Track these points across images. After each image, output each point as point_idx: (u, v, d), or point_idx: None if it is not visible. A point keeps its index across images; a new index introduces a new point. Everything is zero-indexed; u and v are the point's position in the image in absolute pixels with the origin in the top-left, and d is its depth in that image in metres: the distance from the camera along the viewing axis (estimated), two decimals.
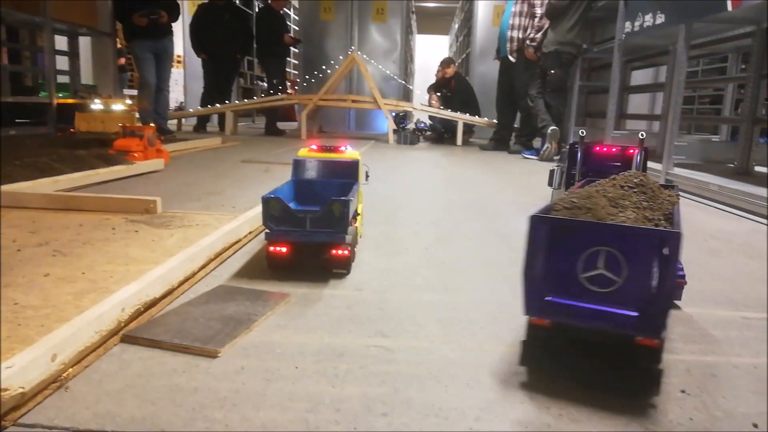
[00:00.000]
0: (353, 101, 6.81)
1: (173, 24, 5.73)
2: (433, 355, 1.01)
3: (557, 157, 4.27)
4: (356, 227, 1.57)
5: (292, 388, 0.87)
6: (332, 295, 1.30)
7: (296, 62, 9.94)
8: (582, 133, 1.70)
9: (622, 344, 0.84)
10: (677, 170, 3.33)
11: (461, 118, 6.46)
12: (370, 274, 1.47)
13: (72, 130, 4.41)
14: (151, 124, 3.83)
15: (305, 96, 6.92)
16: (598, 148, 1.65)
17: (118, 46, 6.83)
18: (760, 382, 0.96)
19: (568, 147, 1.77)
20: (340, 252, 1.39)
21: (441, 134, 6.99)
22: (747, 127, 3.61)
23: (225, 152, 4.63)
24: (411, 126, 6.52)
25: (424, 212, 2.38)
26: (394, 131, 6.37)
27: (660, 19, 3.49)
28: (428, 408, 0.83)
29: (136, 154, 3.25)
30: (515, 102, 5.80)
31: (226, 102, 6.92)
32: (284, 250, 1.39)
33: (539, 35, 5.32)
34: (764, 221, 2.40)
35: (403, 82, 8.04)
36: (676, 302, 1.30)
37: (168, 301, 1.20)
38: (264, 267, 1.44)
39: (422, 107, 6.76)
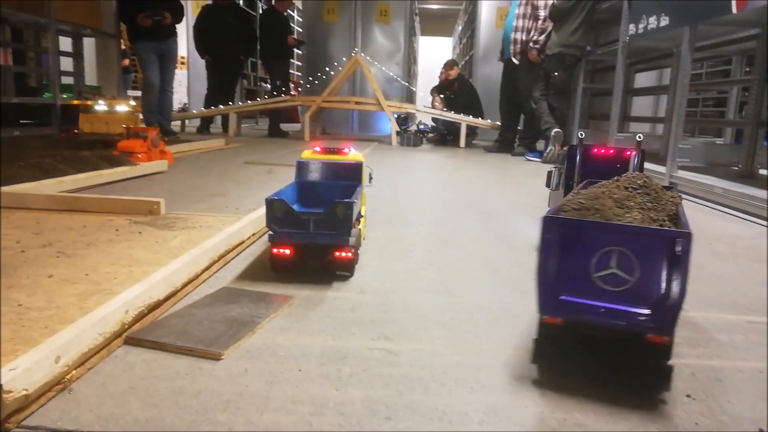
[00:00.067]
0: (356, 103, 6.81)
1: (177, 25, 5.76)
2: (436, 358, 1.01)
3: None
4: (360, 229, 1.57)
5: (295, 391, 0.87)
6: (336, 298, 1.30)
7: (300, 64, 9.98)
8: (581, 135, 1.70)
9: (632, 341, 0.86)
10: (681, 173, 3.32)
11: (464, 120, 6.46)
12: (373, 276, 1.47)
13: (76, 131, 4.42)
14: (155, 126, 3.83)
15: (308, 97, 6.93)
16: (596, 150, 1.66)
17: (122, 47, 6.85)
18: (766, 387, 0.96)
19: (566, 149, 1.77)
20: (343, 254, 1.39)
21: (444, 136, 6.99)
22: (751, 129, 3.60)
23: (228, 154, 4.63)
24: (413, 128, 6.52)
25: (427, 214, 2.38)
26: (398, 133, 6.37)
27: (664, 21, 3.48)
28: (432, 411, 0.83)
29: (139, 156, 3.26)
30: (519, 104, 5.79)
31: (230, 103, 6.92)
32: (288, 252, 1.38)
33: (543, 37, 5.31)
34: (766, 224, 2.39)
35: (407, 83, 8.04)
36: None
37: (171, 303, 1.20)
38: (267, 269, 1.44)
39: (425, 109, 6.76)
